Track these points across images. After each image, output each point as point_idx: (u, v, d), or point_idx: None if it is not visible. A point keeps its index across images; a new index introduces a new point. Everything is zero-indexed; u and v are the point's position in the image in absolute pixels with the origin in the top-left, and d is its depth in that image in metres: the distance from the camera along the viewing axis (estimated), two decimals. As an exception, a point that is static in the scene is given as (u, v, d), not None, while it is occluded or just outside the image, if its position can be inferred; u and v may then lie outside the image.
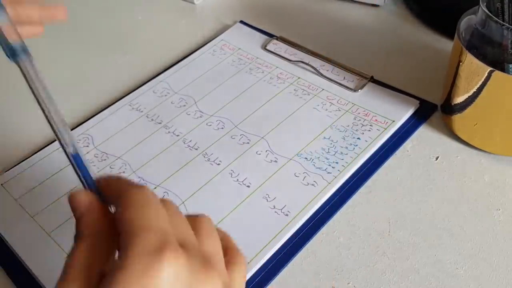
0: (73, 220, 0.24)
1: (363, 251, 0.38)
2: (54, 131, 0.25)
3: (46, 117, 0.25)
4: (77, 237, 0.24)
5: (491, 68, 0.38)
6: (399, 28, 0.58)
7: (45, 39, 0.63)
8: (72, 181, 0.44)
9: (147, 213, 0.22)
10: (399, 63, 0.54)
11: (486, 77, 0.39)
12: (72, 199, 0.24)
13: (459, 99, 0.43)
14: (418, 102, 0.47)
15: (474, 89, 0.40)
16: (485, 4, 0.39)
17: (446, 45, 0.54)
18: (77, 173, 0.25)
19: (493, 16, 0.38)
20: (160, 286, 0.20)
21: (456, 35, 0.42)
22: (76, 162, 0.25)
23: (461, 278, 0.36)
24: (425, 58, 0.54)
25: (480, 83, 0.39)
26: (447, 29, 0.55)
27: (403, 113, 0.47)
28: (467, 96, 0.41)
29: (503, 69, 0.38)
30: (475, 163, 0.43)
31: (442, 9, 0.58)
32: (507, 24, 0.38)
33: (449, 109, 0.45)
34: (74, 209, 0.24)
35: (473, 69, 0.40)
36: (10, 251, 0.40)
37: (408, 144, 0.45)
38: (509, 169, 0.43)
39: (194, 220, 0.25)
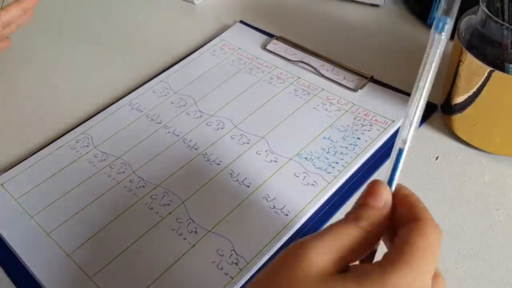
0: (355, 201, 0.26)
1: (363, 251, 0.38)
2: (408, 114, 0.26)
3: (414, 96, 0.26)
4: (351, 218, 0.24)
5: (491, 68, 0.38)
6: (399, 28, 0.58)
7: (45, 39, 0.63)
8: (72, 181, 0.44)
9: (429, 260, 0.22)
10: (399, 63, 0.54)
11: (486, 77, 0.39)
12: (374, 184, 0.25)
13: (459, 99, 0.43)
14: (418, 102, 0.47)
15: (474, 89, 0.40)
16: (485, 4, 0.38)
17: (446, 45, 0.54)
18: (392, 166, 0.26)
19: (493, 16, 0.38)
20: None
21: (456, 35, 0.42)
22: (398, 156, 0.26)
23: (461, 278, 0.36)
24: (425, 58, 0.54)
25: (480, 83, 0.39)
26: (447, 29, 0.55)
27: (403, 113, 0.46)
28: (467, 96, 0.41)
29: (503, 69, 0.38)
30: (475, 163, 0.43)
31: (442, 9, 0.58)
32: (507, 24, 0.38)
33: (449, 109, 0.45)
34: (369, 194, 0.25)
35: (473, 69, 0.40)
36: (10, 251, 0.40)
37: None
38: (509, 169, 0.43)
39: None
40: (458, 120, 0.44)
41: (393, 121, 0.46)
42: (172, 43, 0.60)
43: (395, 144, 0.26)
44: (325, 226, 0.39)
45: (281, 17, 0.62)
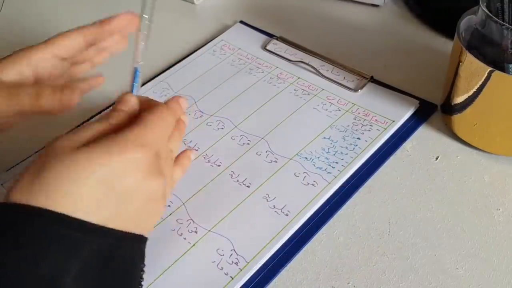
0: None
1: (363, 251, 0.38)
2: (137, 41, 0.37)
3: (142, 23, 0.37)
4: (103, 117, 0.31)
5: (491, 68, 0.38)
6: (399, 28, 0.58)
7: (44, 39, 0.63)
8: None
9: (157, 124, 0.31)
10: (399, 63, 0.54)
11: (486, 77, 0.39)
12: (122, 96, 0.33)
13: (459, 99, 0.43)
14: (418, 102, 0.47)
15: (474, 89, 0.40)
16: (485, 4, 0.39)
17: (446, 45, 0.54)
18: (131, 79, 0.36)
19: (493, 16, 0.38)
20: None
21: (456, 35, 0.42)
22: (135, 72, 0.37)
23: (461, 278, 0.36)
24: (425, 58, 0.54)
25: (480, 83, 0.39)
26: (447, 29, 0.55)
27: (403, 113, 0.47)
28: (467, 96, 0.41)
29: (503, 69, 0.38)
30: (475, 163, 0.43)
31: (442, 9, 0.58)
32: (507, 24, 0.38)
33: (449, 109, 0.45)
34: (118, 103, 0.33)
35: (473, 69, 0.40)
36: (10, 251, 0.40)
37: (408, 144, 0.45)
38: (509, 169, 0.43)
39: None
40: (458, 120, 0.44)
41: (393, 121, 0.46)
42: (172, 43, 0.60)
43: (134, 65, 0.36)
44: (325, 226, 0.40)
45: (281, 17, 0.62)
